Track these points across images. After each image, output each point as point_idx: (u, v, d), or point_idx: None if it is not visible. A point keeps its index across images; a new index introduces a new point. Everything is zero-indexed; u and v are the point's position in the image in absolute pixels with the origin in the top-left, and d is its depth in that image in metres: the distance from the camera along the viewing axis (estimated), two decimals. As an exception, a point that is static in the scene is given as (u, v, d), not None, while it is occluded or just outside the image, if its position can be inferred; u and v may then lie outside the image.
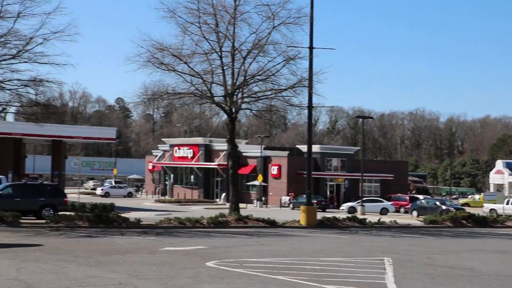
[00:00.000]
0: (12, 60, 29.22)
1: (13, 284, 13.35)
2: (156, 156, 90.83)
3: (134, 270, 15.75)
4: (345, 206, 62.83)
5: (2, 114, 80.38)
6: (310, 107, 36.54)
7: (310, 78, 34.92)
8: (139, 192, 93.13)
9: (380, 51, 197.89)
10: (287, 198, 68.89)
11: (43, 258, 17.85)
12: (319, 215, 37.52)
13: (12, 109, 37.46)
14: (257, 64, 35.27)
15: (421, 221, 41.74)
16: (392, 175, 76.44)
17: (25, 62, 29.33)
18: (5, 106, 35.26)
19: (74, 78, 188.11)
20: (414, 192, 79.50)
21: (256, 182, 70.25)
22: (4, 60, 29.21)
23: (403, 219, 46.75)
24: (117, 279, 14.33)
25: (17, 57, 29.07)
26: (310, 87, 35.18)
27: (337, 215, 38.76)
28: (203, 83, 34.87)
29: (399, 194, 69.44)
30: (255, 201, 69.46)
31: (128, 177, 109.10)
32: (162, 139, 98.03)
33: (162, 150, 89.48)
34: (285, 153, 76.25)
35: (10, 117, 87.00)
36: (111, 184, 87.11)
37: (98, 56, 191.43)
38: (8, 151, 54.80)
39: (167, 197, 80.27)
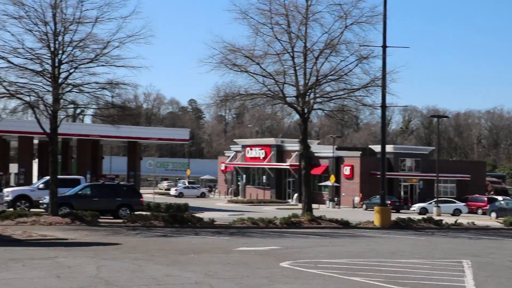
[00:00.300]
0: (90, 63, 30.03)
1: (94, 281, 13.71)
2: (229, 156, 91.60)
3: (210, 270, 15.91)
4: (416, 207, 61.70)
5: (80, 116, 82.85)
6: (383, 106, 36.07)
7: (384, 77, 34.48)
8: (212, 193, 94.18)
9: (455, 48, 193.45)
10: (358, 198, 68.30)
11: (121, 256, 18.26)
12: (393, 216, 37.00)
13: (90, 111, 38.42)
14: (329, 64, 35.09)
15: (500, 222, 40.56)
16: (469, 176, 74.57)
17: (103, 65, 30.12)
18: (83, 109, 36.25)
19: (148, 81, 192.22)
20: (492, 193, 77.25)
21: (328, 183, 69.87)
22: (83, 63, 30.06)
23: (481, 220, 45.51)
24: (193, 278, 14.50)
25: (95, 60, 29.86)
26: (384, 86, 34.74)
27: (411, 216, 38.12)
28: (275, 83, 34.91)
29: (477, 195, 67.64)
30: (327, 201, 69.10)
31: (201, 177, 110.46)
32: (234, 140, 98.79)
33: (234, 151, 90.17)
34: (358, 153, 75.50)
35: (87, 119, 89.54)
36: (185, 184, 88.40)
37: (171, 58, 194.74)
38: (87, 152, 56.45)
39: (239, 198, 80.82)
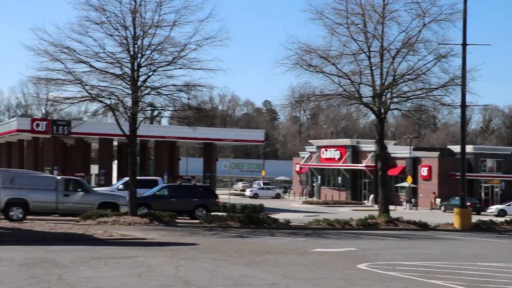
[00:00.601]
0: (168, 66, 30.59)
1: (173, 281, 13.91)
2: (303, 157, 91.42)
3: (286, 271, 15.89)
4: (493, 208, 59.84)
5: (157, 118, 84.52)
6: (463, 106, 35.19)
7: (463, 76, 33.64)
8: (287, 194, 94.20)
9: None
10: (438, 200, 66.81)
11: (198, 256, 18.47)
12: (474, 218, 36.00)
13: (167, 113, 39.19)
14: (407, 63, 34.49)
15: None
16: (554, 177, 71.83)
17: (180, 68, 30.61)
18: (160, 111, 36.94)
19: (223, 82, 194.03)
20: None
21: (405, 184, 68.72)
22: (161, 66, 30.65)
23: None
24: (270, 279, 14.51)
25: (172, 63, 30.39)
26: (463, 85, 33.89)
27: (493, 219, 37.00)
28: (351, 84, 34.58)
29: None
30: (404, 203, 67.98)
31: (276, 178, 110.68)
32: (309, 141, 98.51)
33: (309, 152, 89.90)
34: (436, 153, 73.92)
35: (164, 121, 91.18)
36: (260, 185, 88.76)
37: (246, 60, 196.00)
38: (164, 153, 57.57)
39: (314, 199, 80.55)
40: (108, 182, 52.80)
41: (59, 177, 32.42)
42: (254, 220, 31.33)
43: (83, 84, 29.81)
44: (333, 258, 19.22)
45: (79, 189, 31.65)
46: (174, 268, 15.72)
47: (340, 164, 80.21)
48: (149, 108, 33.97)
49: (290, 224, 31.79)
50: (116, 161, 67.37)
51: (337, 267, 16.90)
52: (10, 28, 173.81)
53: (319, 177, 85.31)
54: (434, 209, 65.57)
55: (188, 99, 31.82)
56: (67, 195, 30.88)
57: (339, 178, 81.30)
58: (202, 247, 21.25)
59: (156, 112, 53.77)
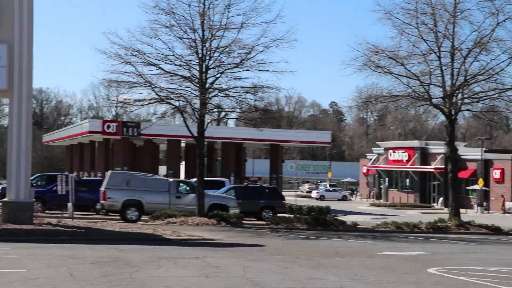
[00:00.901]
0: (235, 68, 30.81)
1: (241, 282, 13.96)
2: (370, 159, 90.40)
3: (355, 274, 15.72)
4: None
5: (224, 120, 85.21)
6: (538, 106, 34.08)
7: (541, 75, 32.54)
8: (354, 196, 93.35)
9: None
10: (510, 203, 64.91)
11: (266, 258, 18.49)
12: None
13: (233, 115, 39.48)
14: (479, 63, 33.61)
15: None
16: None
17: (248, 70, 30.80)
18: (228, 112, 37.25)
19: (290, 84, 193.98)
20: None
21: (476, 187, 67.02)
22: (228, 68, 30.88)
23: None
24: (338, 282, 14.38)
25: (240, 65, 30.60)
26: (539, 85, 32.82)
27: None
28: (420, 84, 33.95)
29: None
30: (475, 206, 66.29)
31: (342, 180, 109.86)
32: (376, 142, 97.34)
33: (377, 153, 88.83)
34: (509, 156, 71.76)
35: (231, 123, 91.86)
36: (326, 187, 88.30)
37: (313, 61, 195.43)
38: (231, 155, 58.03)
39: (381, 201, 79.54)
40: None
41: (171, 180, 33.16)
42: (321, 222, 31.17)
43: (153, 86, 30.33)
44: (402, 261, 18.90)
45: (191, 191, 32.27)
46: (241, 269, 15.78)
47: (408, 166, 78.91)
48: (216, 109, 34.26)
49: (358, 226, 31.47)
50: (183, 162, 68.27)
51: (407, 271, 16.60)
52: (84, 32, 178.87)
53: (386, 179, 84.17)
54: (508, 212, 63.74)
55: (255, 100, 31.95)
56: (179, 197, 31.68)
57: (407, 180, 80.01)
58: (269, 249, 21.27)
59: (222, 114, 54.27)
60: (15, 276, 13.63)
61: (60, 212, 28.04)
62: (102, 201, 31.34)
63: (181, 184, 33.23)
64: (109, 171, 33.56)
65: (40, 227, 23.74)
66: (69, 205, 29.65)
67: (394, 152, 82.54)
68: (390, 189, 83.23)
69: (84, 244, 20.38)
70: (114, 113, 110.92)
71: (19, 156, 24.78)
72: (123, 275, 14.21)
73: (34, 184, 34.73)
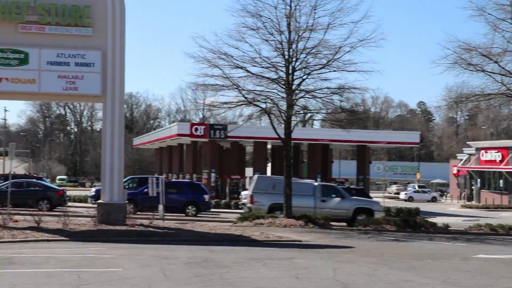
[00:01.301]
0: (322, 69, 30.69)
1: (332, 284, 13.89)
2: (461, 160, 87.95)
3: (448, 277, 15.32)
4: None
5: (310, 121, 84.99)
6: None
7: None
8: (443, 197, 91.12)
9: None
10: None
11: (355, 260, 18.32)
12: None
13: (319, 116, 39.29)
14: None
15: None
16: None
17: (334, 71, 30.63)
18: (314, 113, 37.10)
19: (376, 84, 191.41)
20: None
21: None
22: (315, 70, 30.80)
23: None
24: (431, 285, 14.07)
25: (326, 66, 30.45)
26: None
27: None
28: (515, 82, 32.70)
29: None
30: None
31: (431, 181, 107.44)
32: (467, 142, 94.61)
33: (467, 154, 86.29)
34: None
35: (316, 124, 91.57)
36: (415, 188, 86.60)
37: (399, 60, 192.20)
38: (317, 156, 57.83)
39: (473, 202, 77.21)
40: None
41: (316, 183, 33.50)
42: (411, 223, 30.56)
43: (240, 89, 30.60)
44: (498, 265, 18.28)
45: (335, 195, 32.57)
46: (331, 271, 15.69)
47: (501, 166, 76.21)
48: (303, 111, 34.20)
49: (449, 228, 30.66)
50: (269, 164, 68.56)
51: (504, 275, 16.05)
52: (171, 37, 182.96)
53: (478, 180, 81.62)
54: None
55: (340, 101, 31.71)
56: (324, 200, 31.97)
57: (501, 181, 77.31)
58: (358, 250, 21.06)
59: (308, 115, 54.13)
60: (112, 275, 14.08)
61: (151, 213, 28.74)
62: (249, 205, 31.80)
63: (325, 188, 33.24)
64: (255, 175, 33.96)
65: (133, 228, 24.42)
66: (160, 206, 30.32)
67: (486, 152, 79.94)
68: (482, 190, 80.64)
69: (175, 245, 20.80)
70: (201, 116, 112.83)
71: (113, 159, 25.60)
72: (214, 275, 14.41)
73: (126, 187, 35.75)
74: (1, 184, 39.06)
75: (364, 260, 18.32)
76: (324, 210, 31.53)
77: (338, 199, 32.23)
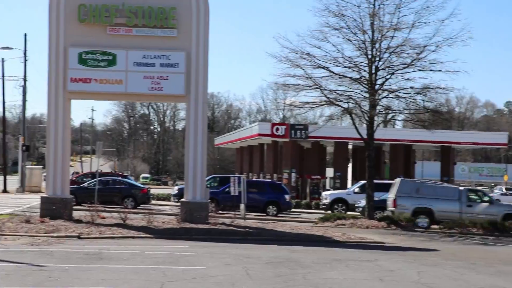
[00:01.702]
0: (406, 69, 30.16)
1: (416, 287, 13.62)
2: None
3: (540, 284, 14.77)
4: None
5: (391, 122, 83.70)
6: None
7: None
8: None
9: None
10: None
11: (441, 263, 17.90)
12: None
13: (401, 116, 38.61)
14: None
15: None
16: None
17: (419, 70, 30.03)
18: (396, 114, 36.45)
19: (461, 83, 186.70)
20: None
21: None
22: (398, 69, 30.31)
23: None
24: (522, 292, 13.60)
25: (411, 65, 29.91)
26: None
27: None
28: None
29: None
30: None
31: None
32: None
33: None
34: None
35: (398, 124, 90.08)
36: (502, 191, 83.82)
37: (486, 59, 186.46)
38: (399, 157, 56.88)
39: None
40: (344, 185, 53.44)
41: (461, 188, 33.15)
42: (499, 227, 29.59)
43: (322, 89, 30.46)
44: None
45: (482, 200, 32.00)
46: (416, 274, 15.39)
47: None
48: (385, 111, 33.70)
49: (542, 232, 29.51)
50: (350, 164, 67.94)
51: None
52: (253, 37, 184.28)
53: None
54: None
55: (424, 101, 31.06)
56: (470, 205, 31.41)
57: None
58: (443, 254, 20.57)
59: (390, 115, 53.33)
60: (196, 273, 14.29)
61: (233, 212, 28.99)
62: (392, 208, 31.47)
63: (472, 193, 32.66)
64: (398, 179, 33.51)
65: (215, 227, 24.69)
66: (242, 206, 30.58)
67: None
68: None
69: (257, 244, 20.91)
70: (281, 115, 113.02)
71: (196, 158, 25.96)
72: (296, 275, 14.40)
73: (208, 185, 36.21)
74: (89, 181, 40.35)
75: (449, 263, 17.88)
76: (471, 215, 30.57)
77: (485, 204, 31.27)
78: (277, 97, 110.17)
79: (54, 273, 13.49)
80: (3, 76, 53.53)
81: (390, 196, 31.40)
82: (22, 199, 42.18)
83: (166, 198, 45.54)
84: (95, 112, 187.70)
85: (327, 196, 42.07)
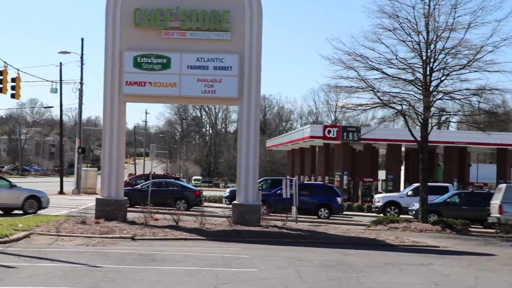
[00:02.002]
0: (462, 70, 29.65)
1: (473, 293, 13.38)
2: None
3: None
4: None
5: (445, 123, 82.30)
6: None
7: None
8: None
9: None
10: None
11: (498, 268, 17.50)
12: None
13: (455, 118, 37.91)
14: None
15: None
16: None
17: (475, 71, 29.48)
18: (451, 115, 35.81)
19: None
20: None
21: None
22: (454, 70, 29.81)
23: None
24: None
25: (466, 67, 29.39)
26: None
27: None
28: None
29: None
30: None
31: None
32: None
33: None
34: None
35: (452, 126, 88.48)
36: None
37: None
38: (453, 159, 55.89)
39: None
40: (396, 188, 52.83)
41: None
42: None
43: (375, 90, 30.19)
44: None
45: None
46: (473, 279, 15.09)
47: None
48: (440, 113, 33.18)
49: None
50: (403, 167, 67.10)
51: None
52: (304, 39, 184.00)
53: None
54: None
55: (479, 102, 30.46)
56: None
57: None
58: (500, 258, 20.14)
59: (444, 117, 52.48)
60: (248, 275, 14.33)
61: (285, 215, 29.00)
62: (497, 215, 30.48)
63: None
64: (503, 185, 32.80)
65: (267, 229, 24.70)
66: (293, 208, 30.55)
67: None
68: None
69: (309, 247, 20.82)
70: (333, 118, 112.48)
71: (248, 160, 26.03)
72: (349, 279, 14.29)
73: (260, 188, 36.29)
74: (142, 184, 40.93)
75: (508, 269, 17.48)
76: None
77: None
78: (329, 99, 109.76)
79: (109, 274, 13.73)
80: (60, 80, 54.83)
81: (495, 202, 30.34)
82: (77, 200, 43.07)
83: (217, 200, 45.84)
84: (148, 114, 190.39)
85: (379, 199, 41.67)
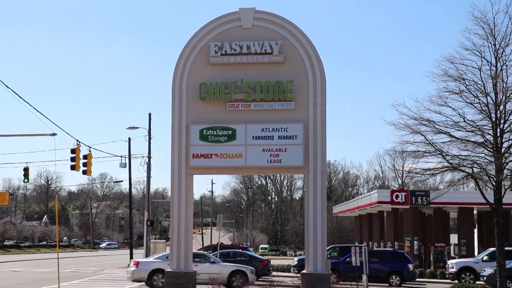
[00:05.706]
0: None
1: None
2: None
3: None
4: None
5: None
6: None
7: None
8: None
9: None
10: None
11: None
12: None
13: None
14: None
15: None
16: None
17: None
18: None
19: None
20: None
21: None
22: (525, 131, 28.98)
23: None
24: None
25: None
26: None
27: None
28: None
29: None
30: None
31: None
32: None
33: None
34: None
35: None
36: None
37: None
38: (530, 222, 53.83)
39: None
40: (470, 253, 51.10)
41: None
42: None
43: (444, 154, 29.58)
44: None
45: None
46: None
47: None
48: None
49: None
50: (476, 230, 65.01)
51: None
52: (368, 104, 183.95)
53: None
54: None
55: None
56: None
57: None
58: None
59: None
60: None
61: (355, 283, 28.26)
62: None
63: None
64: None
65: (338, 299, 24.11)
66: (364, 276, 29.80)
67: None
68: None
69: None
70: (400, 182, 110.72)
71: (316, 229, 25.69)
72: None
73: (328, 256, 35.69)
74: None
75: None
76: None
77: None
78: (395, 163, 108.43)
79: None
80: (129, 155, 56.06)
81: None
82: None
83: (286, 269, 45.27)
84: (214, 184, 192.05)
85: (453, 264, 40.34)
